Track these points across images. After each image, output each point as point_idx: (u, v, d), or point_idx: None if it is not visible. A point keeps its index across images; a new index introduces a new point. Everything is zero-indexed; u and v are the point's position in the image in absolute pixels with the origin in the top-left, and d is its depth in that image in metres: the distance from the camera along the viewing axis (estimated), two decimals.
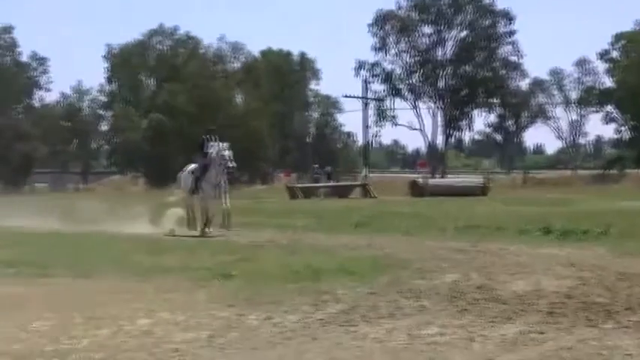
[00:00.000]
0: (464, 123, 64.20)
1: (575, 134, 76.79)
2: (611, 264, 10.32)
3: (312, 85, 77.16)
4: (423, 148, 70.56)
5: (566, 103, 74.41)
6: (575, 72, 72.82)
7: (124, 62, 65.76)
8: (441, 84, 62.81)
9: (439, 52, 62.68)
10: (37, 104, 69.92)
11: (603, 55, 62.63)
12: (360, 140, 70.69)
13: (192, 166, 17.69)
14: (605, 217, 17.08)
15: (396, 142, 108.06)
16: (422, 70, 62.43)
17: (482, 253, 11.78)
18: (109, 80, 67.73)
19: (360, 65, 62.00)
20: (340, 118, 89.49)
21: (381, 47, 62.20)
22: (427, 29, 62.59)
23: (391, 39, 62.33)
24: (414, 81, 63.01)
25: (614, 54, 61.90)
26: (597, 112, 65.93)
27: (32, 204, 27.87)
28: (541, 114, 75.34)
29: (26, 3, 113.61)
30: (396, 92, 62.83)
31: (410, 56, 62.70)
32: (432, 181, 44.43)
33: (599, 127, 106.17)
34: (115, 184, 60.38)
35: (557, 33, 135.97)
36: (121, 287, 8.88)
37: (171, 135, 58.43)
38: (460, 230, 16.21)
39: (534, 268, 9.90)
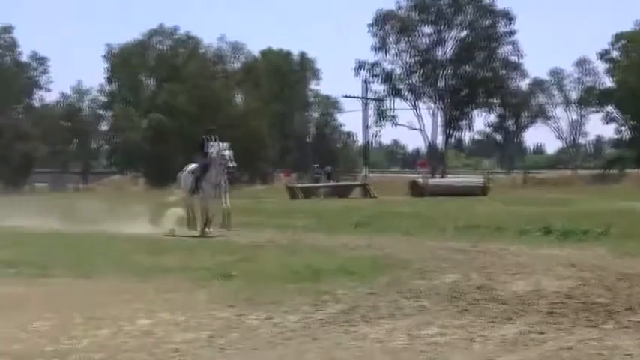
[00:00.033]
0: (464, 123, 64.30)
1: (575, 134, 76.86)
2: (611, 264, 10.32)
3: (312, 85, 77.37)
4: (423, 148, 70.75)
5: (566, 103, 74.47)
6: (575, 72, 73.02)
7: (124, 62, 65.80)
8: (441, 84, 62.82)
9: (439, 52, 62.81)
10: (37, 104, 70.16)
11: (603, 55, 62.72)
12: (360, 140, 70.86)
13: (193, 166, 17.69)
14: (605, 217, 17.07)
15: (396, 142, 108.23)
16: (422, 70, 62.43)
17: (482, 253, 11.77)
18: (109, 80, 67.79)
19: (360, 65, 62.13)
20: (340, 118, 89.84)
21: (381, 47, 62.29)
22: (427, 29, 62.75)
23: (391, 39, 62.40)
24: (414, 81, 63.07)
25: (614, 54, 61.99)
26: (597, 112, 66.10)
27: (32, 204, 27.85)
28: (541, 114, 75.32)
29: (26, 3, 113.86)
30: (396, 92, 62.85)
31: (410, 56, 62.78)
32: (432, 181, 44.42)
33: (599, 127, 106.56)
34: (115, 184, 60.37)
35: (557, 33, 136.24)
36: (121, 287, 8.87)
37: (171, 135, 58.44)
38: (460, 230, 16.20)
39: (534, 269, 9.89)
